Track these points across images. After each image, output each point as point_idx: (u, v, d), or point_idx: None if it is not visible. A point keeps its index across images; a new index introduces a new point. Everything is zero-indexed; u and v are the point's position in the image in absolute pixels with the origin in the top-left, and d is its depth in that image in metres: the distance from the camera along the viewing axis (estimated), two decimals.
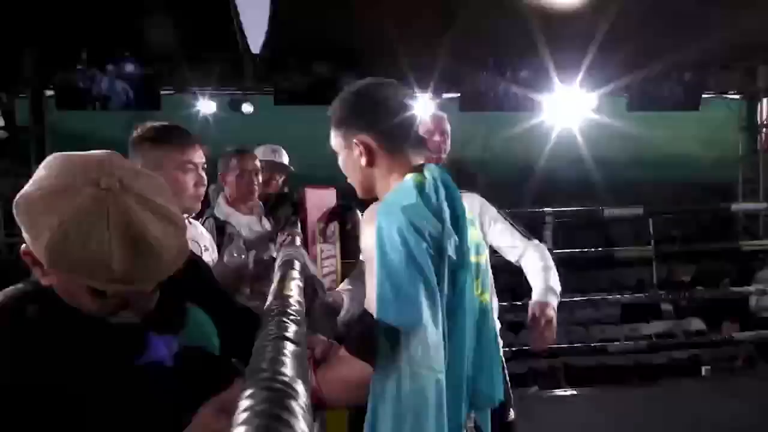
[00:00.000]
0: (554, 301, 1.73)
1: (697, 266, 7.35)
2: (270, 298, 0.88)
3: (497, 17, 5.60)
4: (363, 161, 1.11)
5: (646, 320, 5.93)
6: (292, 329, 0.71)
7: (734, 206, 4.43)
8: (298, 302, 0.86)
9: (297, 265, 1.12)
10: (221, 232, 2.22)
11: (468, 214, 1.14)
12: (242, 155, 2.39)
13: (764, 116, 8.27)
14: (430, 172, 1.09)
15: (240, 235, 2.20)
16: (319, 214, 1.98)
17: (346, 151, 1.15)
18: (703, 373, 4.03)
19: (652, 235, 7.05)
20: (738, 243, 5.69)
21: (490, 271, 1.29)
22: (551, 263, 1.86)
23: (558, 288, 1.79)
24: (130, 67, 5.86)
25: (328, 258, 1.91)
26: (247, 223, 2.35)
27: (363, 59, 6.01)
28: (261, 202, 2.52)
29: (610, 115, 7.47)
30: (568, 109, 6.93)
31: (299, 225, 2.14)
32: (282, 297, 0.86)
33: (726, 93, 8.09)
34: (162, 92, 6.20)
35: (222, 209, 2.34)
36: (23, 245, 0.80)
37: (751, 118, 8.36)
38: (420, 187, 1.04)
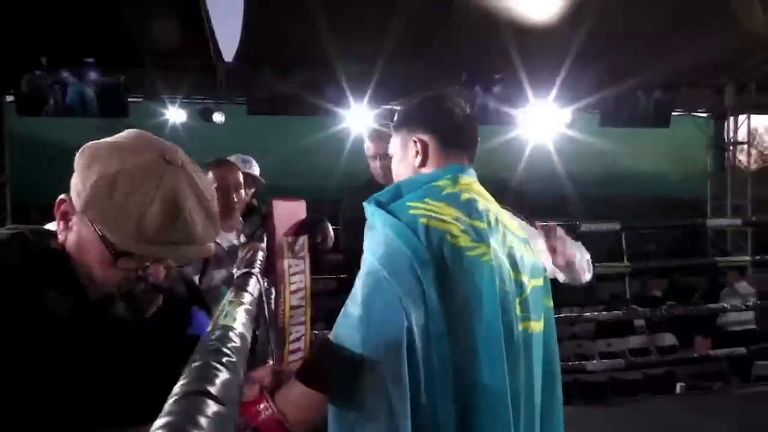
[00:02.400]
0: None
1: (668, 281, 7.43)
2: (209, 326, 0.76)
3: (473, 34, 5.63)
4: (417, 161, 1.13)
5: (620, 335, 5.94)
6: (219, 380, 0.57)
7: (709, 222, 4.45)
8: (240, 336, 0.73)
9: (252, 284, 1.00)
10: None
11: (520, 232, 1.12)
12: (220, 167, 2.16)
13: (731, 134, 8.49)
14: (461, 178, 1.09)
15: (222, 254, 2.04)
16: (287, 227, 1.86)
17: (402, 152, 1.17)
18: (678, 390, 4.01)
19: (625, 251, 7.11)
20: (714, 259, 5.76)
21: (547, 300, 1.14)
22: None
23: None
24: (97, 74, 5.66)
25: (296, 274, 1.79)
26: (228, 241, 2.19)
27: (336, 71, 5.97)
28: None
29: (582, 131, 7.56)
30: (541, 123, 6.98)
31: (266, 238, 2.01)
32: (221, 328, 0.74)
33: (695, 111, 8.29)
34: (130, 99, 6.02)
35: None
36: (62, 195, 0.82)
37: (718, 136, 8.57)
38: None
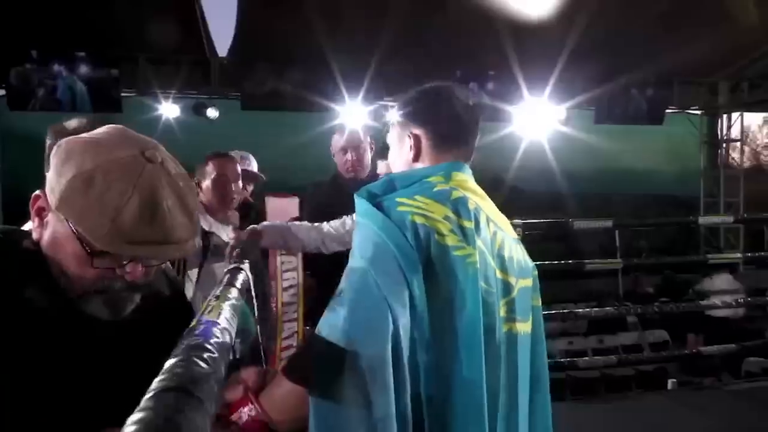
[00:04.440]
0: None
1: (660, 278, 7.47)
2: (193, 322, 0.75)
3: (468, 30, 5.63)
4: (410, 156, 1.13)
5: (613, 332, 5.97)
6: (198, 376, 0.56)
7: (701, 219, 4.47)
8: (224, 331, 0.72)
9: (240, 279, 0.99)
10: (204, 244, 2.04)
11: (512, 233, 1.12)
12: (220, 158, 2.19)
13: (724, 132, 8.53)
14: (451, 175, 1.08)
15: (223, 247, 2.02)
16: None
17: (398, 145, 1.17)
18: (670, 386, 4.03)
19: (618, 247, 7.13)
20: (705, 256, 5.79)
21: (536, 300, 1.14)
22: None
23: None
24: (88, 68, 5.61)
25: (289, 270, 1.79)
26: (226, 234, 2.19)
27: (331, 67, 5.94)
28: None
29: (577, 128, 7.57)
30: (536, 121, 6.98)
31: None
32: (207, 323, 0.72)
33: (688, 108, 8.32)
34: (123, 94, 5.98)
35: (206, 219, 2.10)
36: (37, 191, 0.81)
37: (711, 134, 8.61)
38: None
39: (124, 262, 0.79)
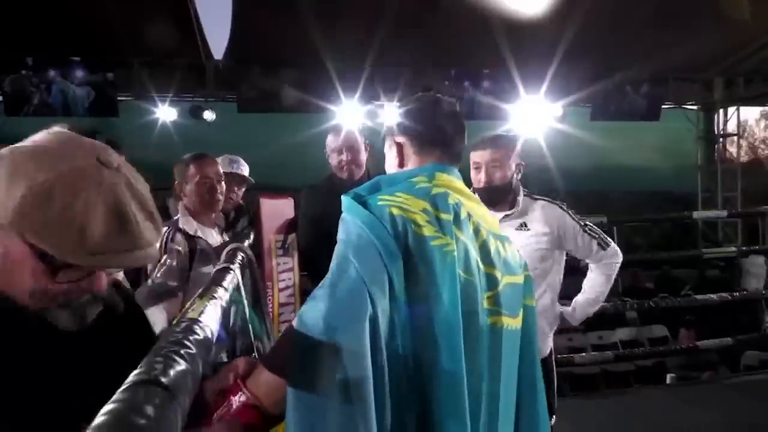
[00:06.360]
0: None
1: (658, 273, 7.48)
2: (178, 317, 0.75)
3: (463, 29, 5.63)
4: (396, 162, 1.21)
5: (612, 327, 5.98)
6: (173, 370, 0.57)
7: (695, 214, 4.49)
8: (205, 329, 0.73)
9: (227, 280, 1.00)
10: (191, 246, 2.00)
11: (498, 230, 1.15)
12: (200, 161, 2.15)
13: (721, 126, 8.54)
14: (434, 175, 1.12)
15: (209, 250, 2.01)
16: (275, 224, 1.87)
17: (389, 154, 1.25)
18: (668, 380, 4.06)
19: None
20: (701, 251, 5.80)
21: (529, 300, 1.17)
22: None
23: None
24: (84, 73, 5.62)
25: (285, 271, 1.80)
26: (213, 237, 2.17)
27: (326, 68, 5.95)
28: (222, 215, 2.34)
29: (573, 125, 7.57)
30: (532, 118, 6.99)
31: (252, 236, 1.99)
32: (187, 320, 0.74)
33: (684, 104, 8.32)
34: (119, 98, 5.99)
35: (191, 223, 2.07)
36: None
37: (708, 129, 8.62)
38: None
39: (91, 272, 0.76)
